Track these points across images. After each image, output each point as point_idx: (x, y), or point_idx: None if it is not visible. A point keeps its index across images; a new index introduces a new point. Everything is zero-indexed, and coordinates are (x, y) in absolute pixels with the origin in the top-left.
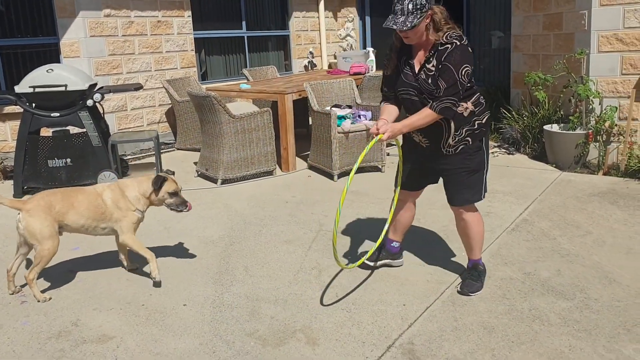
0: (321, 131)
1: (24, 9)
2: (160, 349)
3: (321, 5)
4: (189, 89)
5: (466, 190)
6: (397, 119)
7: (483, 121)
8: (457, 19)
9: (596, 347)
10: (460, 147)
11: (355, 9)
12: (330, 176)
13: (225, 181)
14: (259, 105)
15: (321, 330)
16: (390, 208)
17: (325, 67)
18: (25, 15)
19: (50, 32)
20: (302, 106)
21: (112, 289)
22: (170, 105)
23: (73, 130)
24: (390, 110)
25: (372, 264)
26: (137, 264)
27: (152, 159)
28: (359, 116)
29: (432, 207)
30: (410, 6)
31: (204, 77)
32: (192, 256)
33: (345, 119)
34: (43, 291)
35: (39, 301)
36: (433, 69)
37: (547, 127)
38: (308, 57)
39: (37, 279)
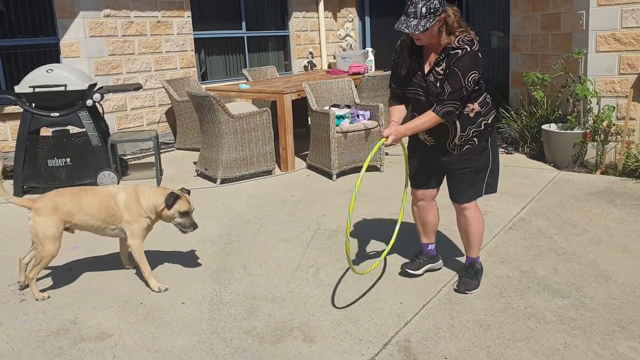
0: (320, 131)
1: (24, 10)
2: (158, 346)
3: (321, 6)
4: (189, 89)
5: (470, 188)
6: (405, 118)
7: (489, 121)
8: None
9: (591, 345)
10: (466, 147)
11: (355, 9)
12: (329, 176)
13: (224, 180)
14: (258, 105)
15: (318, 327)
16: (401, 208)
17: (325, 67)
18: (25, 15)
19: (50, 32)
20: (301, 106)
21: (110, 287)
22: (170, 105)
23: (73, 130)
24: (399, 112)
25: (416, 272)
26: (136, 262)
27: (152, 159)
28: (358, 116)
29: None
30: (424, 10)
31: (203, 77)
32: (191, 255)
33: (343, 118)
34: (42, 290)
35: (37, 300)
36: (442, 72)
37: (545, 126)
38: (308, 57)
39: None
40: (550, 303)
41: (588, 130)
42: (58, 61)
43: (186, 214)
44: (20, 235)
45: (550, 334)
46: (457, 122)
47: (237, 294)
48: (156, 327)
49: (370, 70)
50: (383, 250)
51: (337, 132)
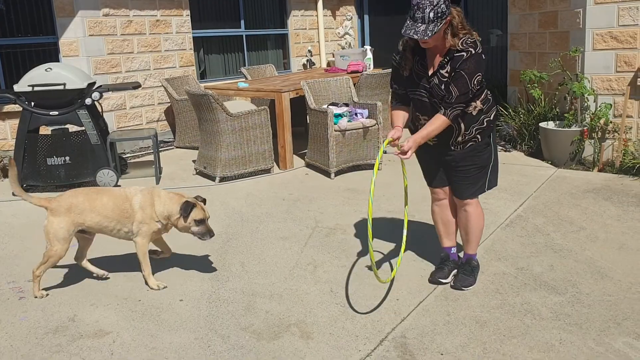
0: (318, 129)
1: (24, 9)
2: (156, 343)
3: (320, 4)
4: (188, 87)
5: (473, 185)
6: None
7: (491, 117)
8: None
9: (586, 341)
10: (469, 145)
11: (354, 7)
12: (327, 174)
13: (223, 179)
14: (257, 104)
15: (315, 324)
16: (403, 229)
17: (324, 66)
18: (25, 14)
19: (49, 31)
20: (300, 104)
21: (109, 285)
22: (169, 104)
23: (72, 128)
24: (403, 116)
25: (446, 281)
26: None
27: (151, 157)
28: (356, 114)
29: (426, 202)
30: (431, 15)
31: (202, 75)
32: (190, 252)
33: (342, 117)
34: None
35: (36, 297)
36: (447, 75)
37: (542, 124)
38: (307, 56)
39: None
40: (546, 299)
41: (585, 128)
42: (57, 60)
43: (202, 221)
44: (20, 233)
45: (546, 330)
46: (461, 122)
47: (235, 291)
48: (154, 324)
49: (369, 68)
50: (397, 254)
51: (336, 131)
